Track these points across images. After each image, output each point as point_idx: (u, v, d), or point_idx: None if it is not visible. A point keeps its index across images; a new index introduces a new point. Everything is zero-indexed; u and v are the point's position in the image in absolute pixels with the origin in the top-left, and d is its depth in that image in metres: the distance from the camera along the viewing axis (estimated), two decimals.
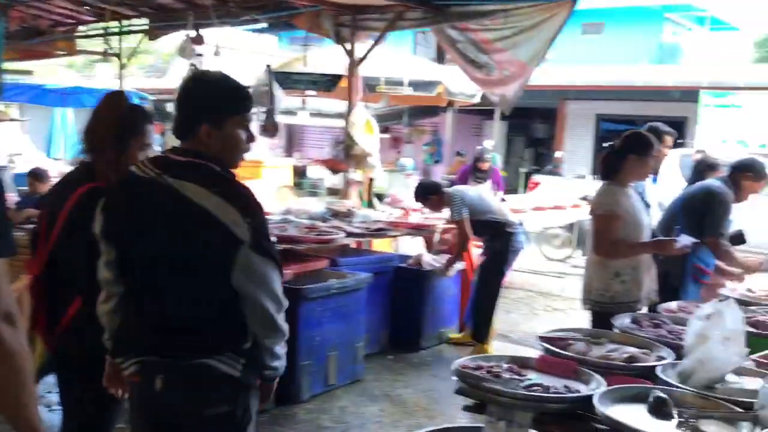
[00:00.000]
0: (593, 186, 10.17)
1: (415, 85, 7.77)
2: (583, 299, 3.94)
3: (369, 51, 6.81)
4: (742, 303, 3.89)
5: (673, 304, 3.76)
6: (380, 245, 6.70)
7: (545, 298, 7.99)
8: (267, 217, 2.24)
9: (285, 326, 2.16)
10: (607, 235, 3.77)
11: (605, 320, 3.65)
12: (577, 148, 16.23)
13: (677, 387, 2.51)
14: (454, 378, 2.62)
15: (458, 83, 8.23)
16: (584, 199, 9.49)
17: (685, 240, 3.77)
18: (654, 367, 2.71)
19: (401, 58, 8.60)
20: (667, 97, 13.78)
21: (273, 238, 2.26)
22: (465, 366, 2.70)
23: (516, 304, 7.46)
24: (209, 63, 7.97)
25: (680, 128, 13.78)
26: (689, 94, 13.13)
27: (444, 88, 8.01)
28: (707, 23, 24.44)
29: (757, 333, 3.21)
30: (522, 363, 2.84)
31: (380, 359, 5.47)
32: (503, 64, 5.64)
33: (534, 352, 5.77)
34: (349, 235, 5.42)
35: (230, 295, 2.06)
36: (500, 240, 5.53)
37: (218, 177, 2.10)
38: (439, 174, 17.52)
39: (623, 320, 3.39)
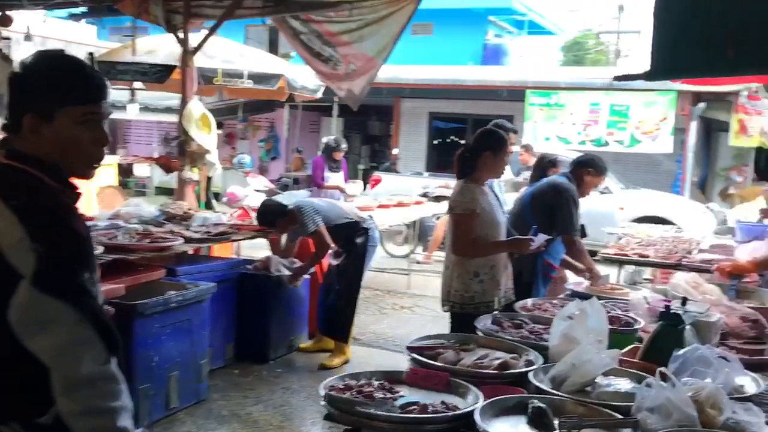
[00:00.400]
0: (431, 182, 10.41)
1: (256, 77, 7.34)
2: (443, 300, 3.85)
3: (204, 40, 6.30)
4: (585, 297, 4.02)
5: (528, 302, 3.76)
6: (220, 249, 6.24)
7: (392, 296, 7.90)
8: (81, 244, 1.61)
9: (102, 406, 1.53)
10: (467, 234, 3.69)
11: (466, 321, 3.59)
12: (411, 146, 16.51)
13: (555, 394, 2.42)
14: (323, 403, 2.35)
15: (301, 77, 7.92)
16: (425, 195, 9.59)
17: (540, 238, 3.77)
18: (526, 372, 2.61)
19: (240, 49, 8.12)
20: (495, 96, 14.25)
21: (86, 275, 1.59)
22: (333, 387, 2.45)
23: (364, 304, 7.27)
24: (19, 50, 7.08)
25: None
26: (516, 94, 13.62)
27: (286, 81, 7.65)
28: (526, 27, 25.95)
29: (613, 329, 3.20)
30: (393, 378, 2.65)
31: (226, 375, 5.04)
32: (349, 57, 5.41)
33: (387, 355, 5.68)
34: (189, 240, 4.93)
35: (15, 346, 1.52)
36: (357, 240, 5.32)
37: (26, 186, 1.58)
38: (278, 171, 17.14)
39: (485, 322, 3.32)
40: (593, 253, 5.68)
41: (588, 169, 4.70)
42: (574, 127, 12.94)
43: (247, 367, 5.20)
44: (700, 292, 4.09)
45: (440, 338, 3.07)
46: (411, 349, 2.86)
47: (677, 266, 5.49)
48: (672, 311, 2.85)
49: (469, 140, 3.94)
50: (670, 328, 2.82)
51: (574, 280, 4.55)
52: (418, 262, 9.63)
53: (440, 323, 6.68)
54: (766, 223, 5.90)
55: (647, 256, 5.71)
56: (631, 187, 11.56)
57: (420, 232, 9.68)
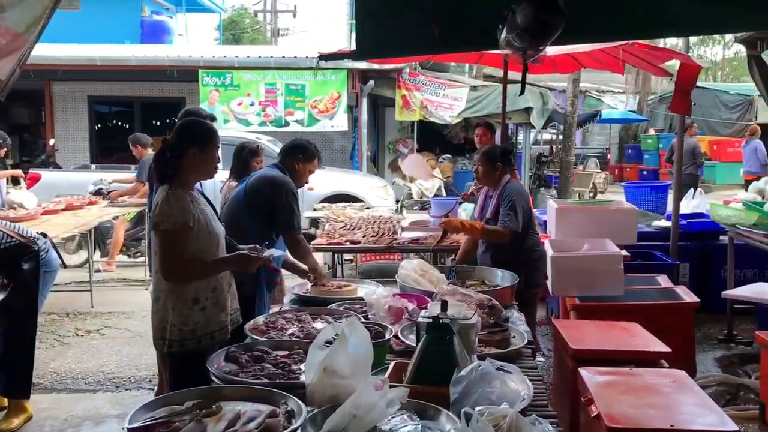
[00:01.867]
0: (103, 176, 9.09)
1: None
2: (156, 340, 3.07)
3: None
4: (313, 302, 3.67)
5: (259, 320, 3.24)
6: None
7: (73, 319, 6.62)
8: None
9: None
10: (180, 255, 2.97)
11: (188, 361, 2.95)
12: (71, 134, 14.68)
13: None
14: None
15: None
16: (98, 193, 8.32)
17: (272, 251, 3.21)
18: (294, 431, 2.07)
19: None
20: (164, 77, 13.21)
21: None
22: None
23: (38, 335, 5.93)
24: None
25: (179, 108, 13.44)
26: (187, 74, 12.78)
27: None
28: (184, 4, 24.72)
29: None
30: None
31: None
32: None
33: (79, 398, 4.63)
34: None
35: None
36: (25, 266, 4.14)
37: None
38: None
39: (218, 361, 2.70)
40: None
41: (297, 156, 4.20)
42: (253, 108, 12.54)
43: None
44: (428, 280, 3.99)
45: (169, 402, 2.32)
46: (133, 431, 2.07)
47: (390, 249, 5.51)
48: (441, 321, 2.51)
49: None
50: (439, 341, 2.49)
51: (300, 283, 4.06)
52: (99, 271, 8.36)
53: (138, 345, 5.76)
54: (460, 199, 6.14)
55: (358, 242, 5.58)
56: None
57: (97, 235, 8.36)
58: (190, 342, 3.01)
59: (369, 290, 3.72)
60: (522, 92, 3.61)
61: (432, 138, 15.52)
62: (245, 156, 4.95)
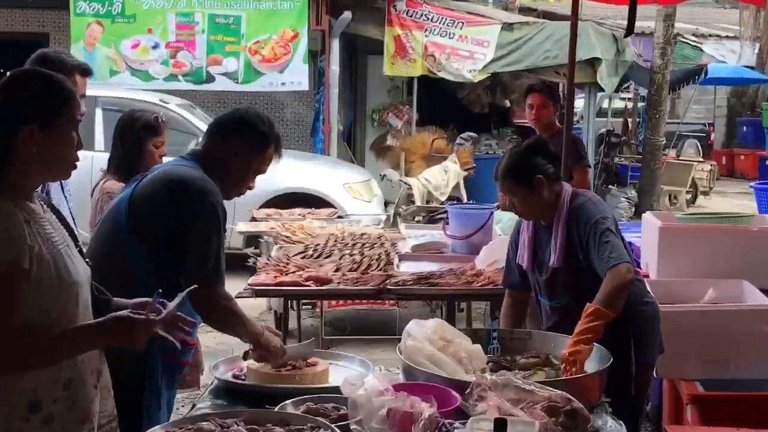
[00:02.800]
0: None
1: None
2: None
3: None
4: (251, 396, 3.55)
5: None
6: None
7: None
8: None
9: None
10: (3, 320, 2.61)
11: None
12: None
13: None
14: None
15: None
16: None
17: (172, 306, 2.91)
18: None
19: None
20: (15, 2, 13.69)
21: None
22: None
23: None
24: None
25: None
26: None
27: None
28: None
29: None
30: None
31: None
32: None
33: None
34: None
35: None
36: None
37: None
38: None
39: None
40: None
41: (236, 140, 3.71)
42: (156, 53, 12.58)
43: None
44: (452, 356, 3.71)
45: None
46: None
47: (382, 293, 5.51)
48: None
49: None
50: None
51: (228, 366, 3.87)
52: None
53: None
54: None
55: (328, 281, 5.47)
56: None
57: None
58: None
59: (350, 374, 3.60)
60: (629, 32, 3.21)
61: (441, 105, 15.41)
62: (136, 134, 4.75)
